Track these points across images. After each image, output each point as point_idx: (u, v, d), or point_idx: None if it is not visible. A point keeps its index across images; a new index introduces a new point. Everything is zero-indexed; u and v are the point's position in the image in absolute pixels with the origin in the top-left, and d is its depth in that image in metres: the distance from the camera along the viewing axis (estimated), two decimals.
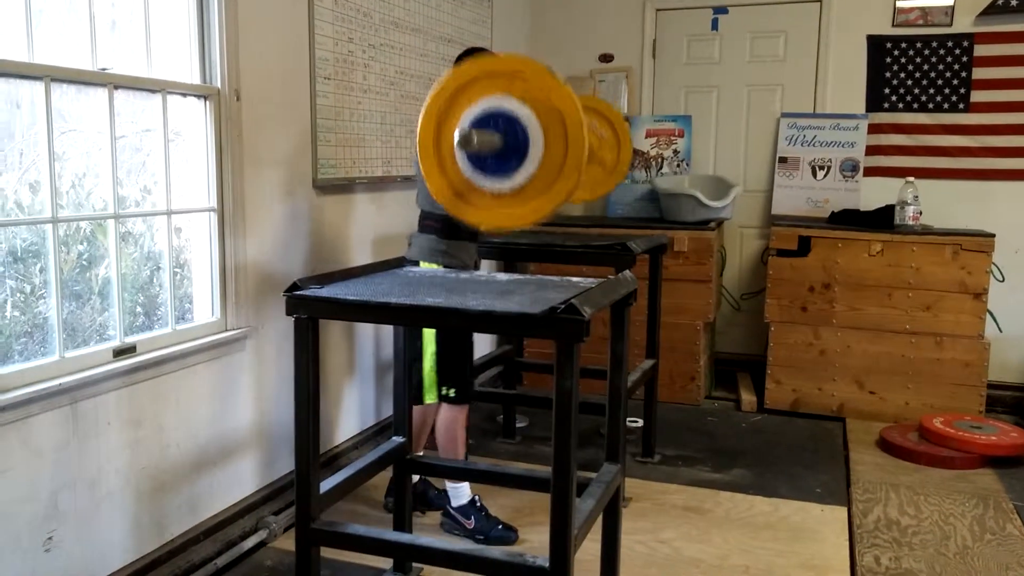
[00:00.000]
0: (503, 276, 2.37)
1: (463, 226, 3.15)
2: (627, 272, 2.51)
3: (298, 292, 2.13)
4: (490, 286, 2.28)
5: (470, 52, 3.38)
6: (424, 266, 3.18)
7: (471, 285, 2.29)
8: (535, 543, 3.21)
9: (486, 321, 2.00)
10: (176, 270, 2.99)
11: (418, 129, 2.27)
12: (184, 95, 2.95)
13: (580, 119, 2.15)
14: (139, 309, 2.86)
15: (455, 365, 3.26)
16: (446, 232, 3.23)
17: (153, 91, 2.81)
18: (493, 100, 2.19)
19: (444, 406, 3.32)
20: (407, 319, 2.19)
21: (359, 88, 3.78)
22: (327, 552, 2.33)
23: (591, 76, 5.82)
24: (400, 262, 2.71)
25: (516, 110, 2.18)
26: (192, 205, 3.03)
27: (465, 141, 2.12)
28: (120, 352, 2.68)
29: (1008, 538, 3.34)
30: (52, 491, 2.43)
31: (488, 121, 2.18)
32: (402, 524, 2.68)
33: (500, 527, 3.30)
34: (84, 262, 2.64)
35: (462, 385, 3.28)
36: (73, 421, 2.48)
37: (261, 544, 3.18)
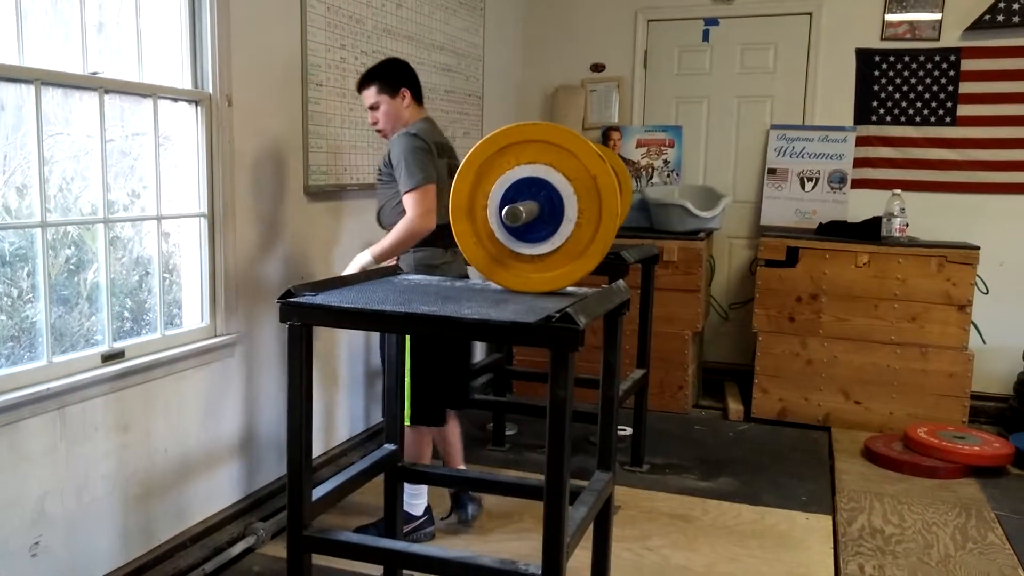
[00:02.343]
0: (498, 285, 2.37)
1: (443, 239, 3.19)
2: (620, 282, 2.51)
3: (292, 299, 2.12)
4: (485, 295, 2.28)
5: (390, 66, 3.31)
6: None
7: (466, 294, 2.29)
8: (526, 551, 3.21)
9: (481, 330, 1.99)
10: (165, 275, 2.98)
11: (452, 188, 2.32)
12: (175, 100, 2.94)
13: (612, 180, 2.21)
14: (127, 314, 2.85)
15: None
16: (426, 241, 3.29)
17: (144, 95, 2.81)
18: (525, 168, 2.26)
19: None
20: (402, 327, 2.19)
21: (351, 95, 3.78)
22: (316, 559, 2.32)
23: (582, 85, 5.84)
24: (395, 270, 2.70)
25: (549, 176, 2.24)
26: (182, 210, 3.02)
27: (513, 216, 2.19)
28: (108, 357, 2.67)
29: (990, 547, 3.37)
30: (39, 496, 2.41)
31: (523, 187, 2.25)
32: (393, 531, 2.67)
33: None
34: (72, 266, 2.63)
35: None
36: (61, 426, 2.46)
37: (249, 550, 3.17)
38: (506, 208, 2.20)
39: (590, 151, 2.23)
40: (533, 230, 2.27)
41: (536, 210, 2.24)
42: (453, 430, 3.49)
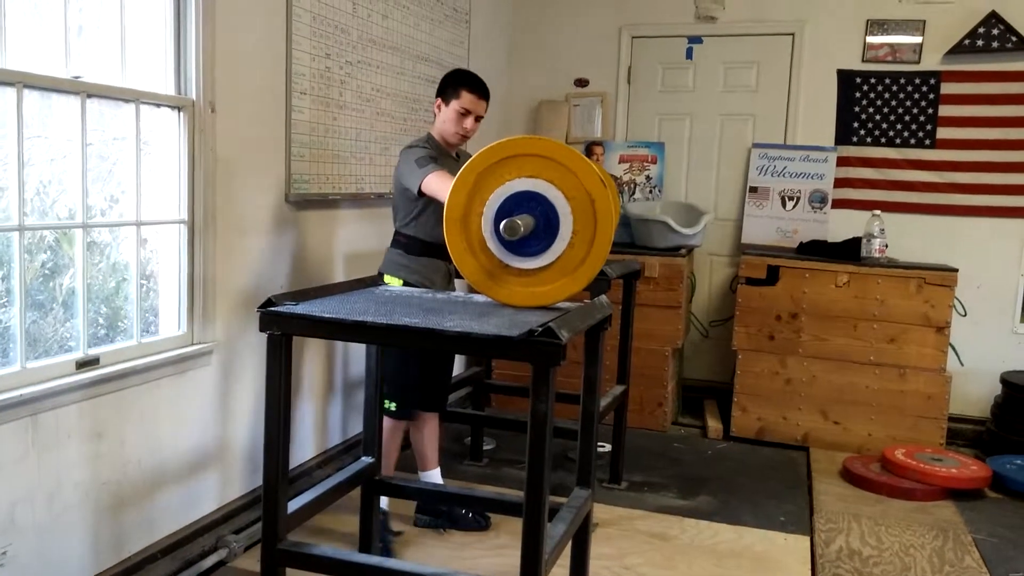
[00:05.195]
0: (480, 297, 2.36)
1: (431, 244, 3.18)
2: (603, 297, 2.51)
3: (272, 308, 2.09)
4: (468, 307, 2.27)
5: (459, 73, 3.36)
6: (388, 279, 3.23)
7: (448, 306, 2.28)
8: (503, 567, 3.18)
9: (463, 343, 1.98)
10: (142, 282, 2.94)
11: (447, 201, 2.32)
12: (158, 105, 2.91)
13: (607, 197, 2.21)
14: (102, 321, 2.81)
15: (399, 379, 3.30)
16: (411, 249, 3.29)
17: (127, 100, 2.77)
18: (521, 182, 2.26)
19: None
20: (382, 339, 2.17)
21: (335, 104, 3.76)
22: (291, 573, 2.29)
23: (566, 100, 5.85)
24: (376, 280, 2.69)
25: (545, 191, 2.24)
26: (161, 216, 2.98)
27: (511, 230, 2.18)
28: (83, 364, 2.62)
29: (967, 570, 3.37)
30: (9, 504, 2.36)
31: (519, 201, 2.25)
32: (368, 546, 2.64)
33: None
34: (47, 271, 2.59)
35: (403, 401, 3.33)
36: (33, 433, 2.42)
37: (221, 563, 3.12)
38: (505, 221, 2.19)
39: (592, 173, 2.22)
40: (526, 244, 2.26)
41: (532, 224, 2.23)
42: (431, 433, 3.52)
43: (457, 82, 3.29)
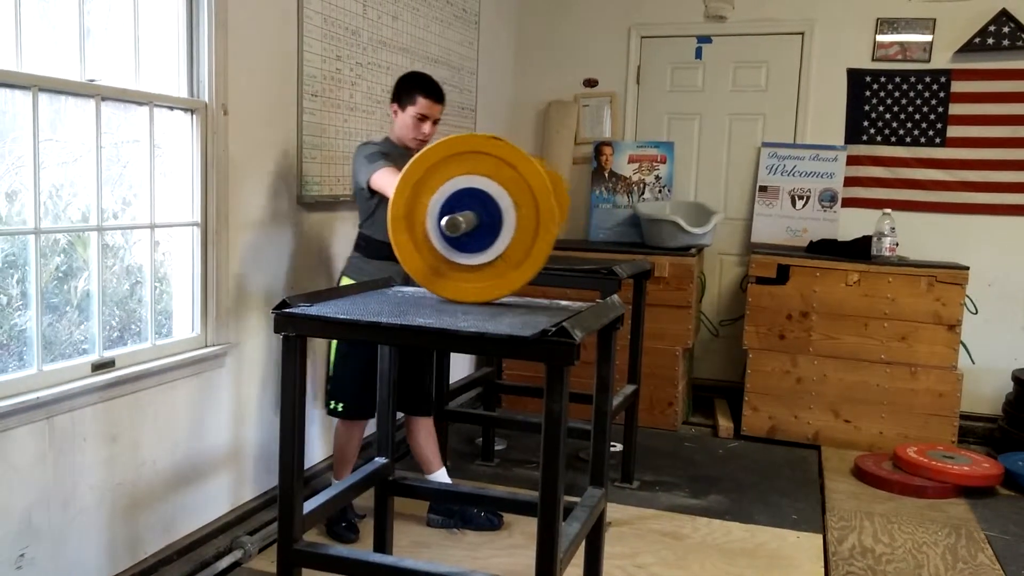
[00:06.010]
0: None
1: (384, 245, 3.18)
2: (615, 296, 2.51)
3: (287, 310, 2.10)
4: (480, 308, 2.27)
5: (413, 78, 3.36)
6: (344, 280, 3.33)
7: (461, 306, 2.28)
8: (517, 567, 3.19)
9: (478, 343, 1.99)
10: (156, 284, 2.96)
11: (390, 200, 2.34)
12: (171, 108, 2.93)
13: (549, 192, 2.22)
14: (116, 323, 2.82)
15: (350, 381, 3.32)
16: (367, 251, 3.35)
17: (140, 103, 2.79)
18: (463, 179, 2.27)
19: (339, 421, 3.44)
20: (397, 339, 2.18)
21: (345, 106, 3.78)
22: (306, 573, 2.30)
23: (575, 100, 5.85)
24: (388, 282, 2.70)
25: (487, 187, 2.26)
26: (174, 219, 3.00)
27: (453, 226, 2.19)
28: (99, 366, 2.64)
29: (980, 568, 3.37)
30: (26, 507, 2.38)
31: (461, 198, 2.26)
32: (383, 546, 2.65)
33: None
34: (61, 274, 2.60)
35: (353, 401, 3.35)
36: (49, 436, 2.43)
37: (236, 564, 3.13)
38: (445, 219, 2.21)
39: (535, 171, 2.23)
40: (470, 241, 2.28)
41: (475, 220, 2.24)
42: (426, 436, 3.54)
43: (412, 87, 3.29)
